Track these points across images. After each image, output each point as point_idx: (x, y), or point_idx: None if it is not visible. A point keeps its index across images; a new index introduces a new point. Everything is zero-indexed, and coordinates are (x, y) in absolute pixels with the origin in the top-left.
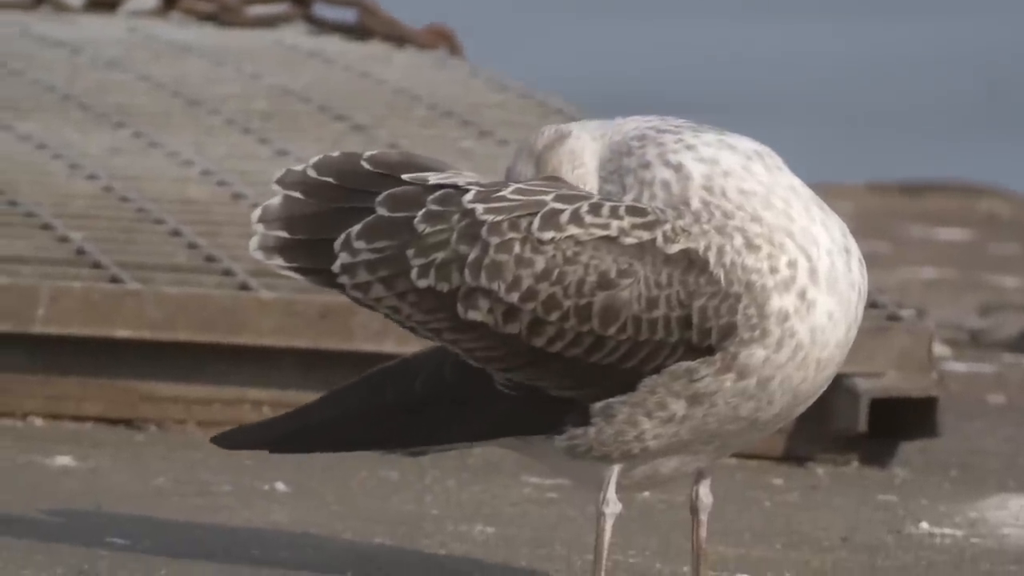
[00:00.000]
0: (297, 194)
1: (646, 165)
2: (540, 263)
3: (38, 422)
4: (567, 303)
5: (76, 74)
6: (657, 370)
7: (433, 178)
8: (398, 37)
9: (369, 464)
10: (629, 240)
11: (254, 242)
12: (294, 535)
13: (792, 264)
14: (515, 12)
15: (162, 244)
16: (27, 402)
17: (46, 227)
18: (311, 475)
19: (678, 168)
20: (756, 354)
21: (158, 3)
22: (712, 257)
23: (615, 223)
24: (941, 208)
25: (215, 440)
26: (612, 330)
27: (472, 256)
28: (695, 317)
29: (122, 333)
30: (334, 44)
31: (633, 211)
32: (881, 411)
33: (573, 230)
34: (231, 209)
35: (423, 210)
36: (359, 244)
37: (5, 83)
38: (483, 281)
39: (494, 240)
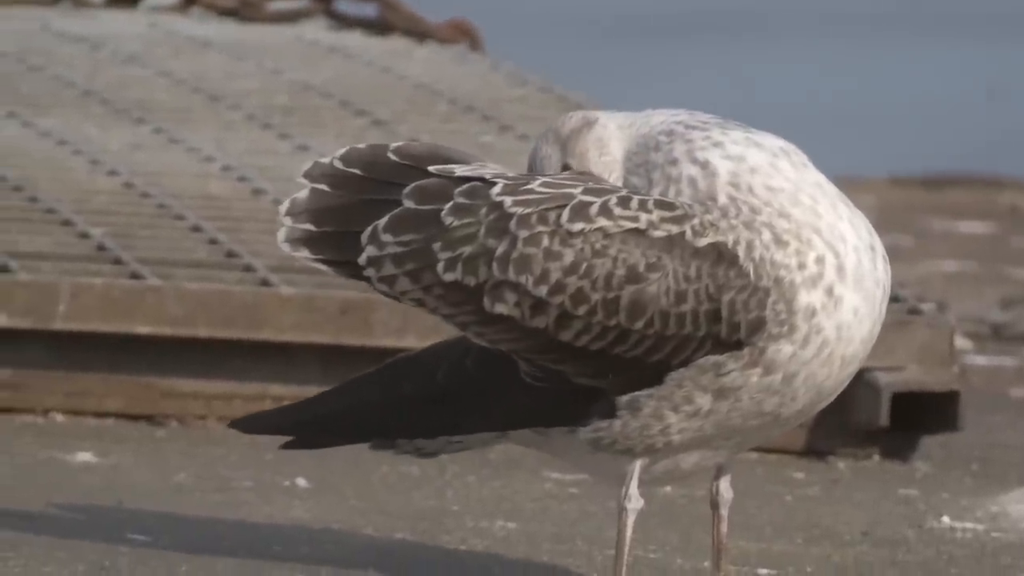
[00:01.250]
0: (324, 186)
1: (673, 161)
2: (569, 256)
3: (59, 418)
4: (595, 296)
5: (96, 70)
6: (684, 364)
7: (460, 170)
8: (419, 32)
9: (390, 459)
10: (658, 233)
11: (281, 234)
12: (315, 531)
13: (820, 260)
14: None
15: (183, 240)
16: (48, 398)
17: (66, 223)
18: (332, 471)
19: (705, 165)
20: (783, 350)
21: None
22: (742, 251)
23: (644, 216)
24: (963, 201)
25: (234, 424)
26: (639, 324)
27: (500, 250)
28: (724, 311)
29: (143, 329)
30: (355, 39)
31: (662, 205)
32: (902, 405)
33: (602, 222)
34: (252, 204)
35: (451, 203)
36: (386, 237)
37: (25, 79)
38: (511, 275)
39: (523, 233)
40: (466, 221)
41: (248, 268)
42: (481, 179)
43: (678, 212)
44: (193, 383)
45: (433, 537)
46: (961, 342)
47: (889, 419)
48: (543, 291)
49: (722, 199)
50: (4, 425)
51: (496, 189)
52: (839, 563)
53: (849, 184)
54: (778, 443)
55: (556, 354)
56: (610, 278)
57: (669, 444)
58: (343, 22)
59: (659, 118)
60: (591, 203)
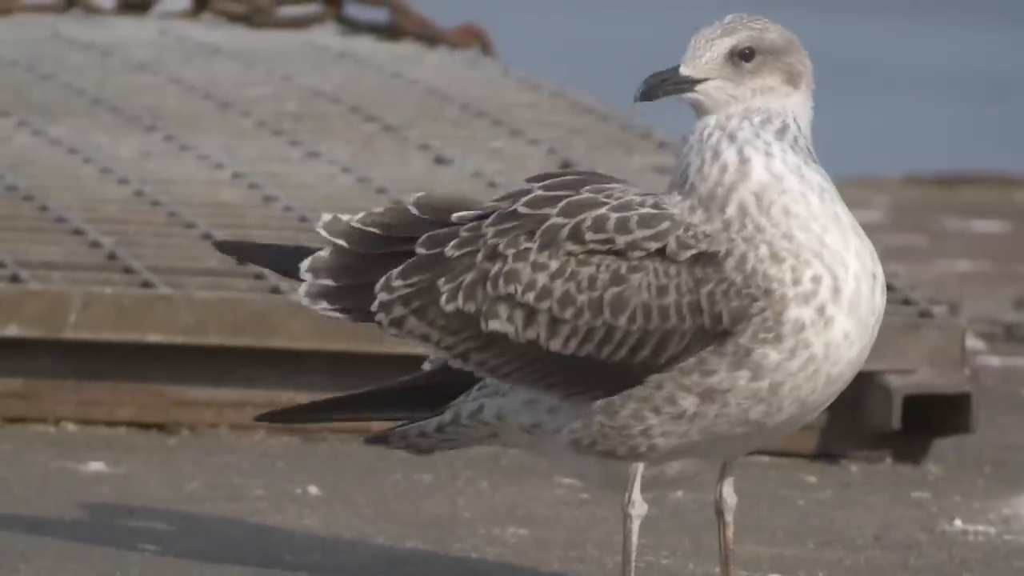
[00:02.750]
0: (343, 242)
1: (731, 137)
2: (554, 265)
3: (71, 427)
4: (581, 298)
5: (107, 77)
6: (670, 364)
7: (476, 213)
8: (430, 37)
9: (402, 467)
10: (636, 253)
11: (302, 290)
12: (327, 539)
13: (816, 279)
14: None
15: (193, 248)
16: (60, 408)
17: (77, 232)
18: (344, 479)
19: (744, 162)
20: (770, 355)
21: (189, 4)
22: (731, 261)
23: (622, 238)
24: (978, 200)
25: (260, 418)
26: (623, 320)
27: (493, 271)
28: (704, 301)
29: (154, 338)
30: (365, 44)
31: (646, 221)
32: (914, 408)
33: (571, 247)
34: (262, 212)
35: (455, 239)
36: (397, 283)
37: (36, 87)
38: (501, 289)
39: (510, 251)
40: (466, 251)
41: (259, 276)
42: (486, 214)
43: (663, 227)
44: (204, 391)
45: (445, 545)
46: (974, 343)
47: (901, 422)
48: (531, 297)
49: (731, 211)
50: (16, 435)
51: (488, 220)
52: (851, 567)
53: (864, 184)
54: (790, 446)
55: (549, 370)
56: (594, 280)
57: (653, 447)
58: (354, 27)
59: (778, 103)
60: (564, 225)
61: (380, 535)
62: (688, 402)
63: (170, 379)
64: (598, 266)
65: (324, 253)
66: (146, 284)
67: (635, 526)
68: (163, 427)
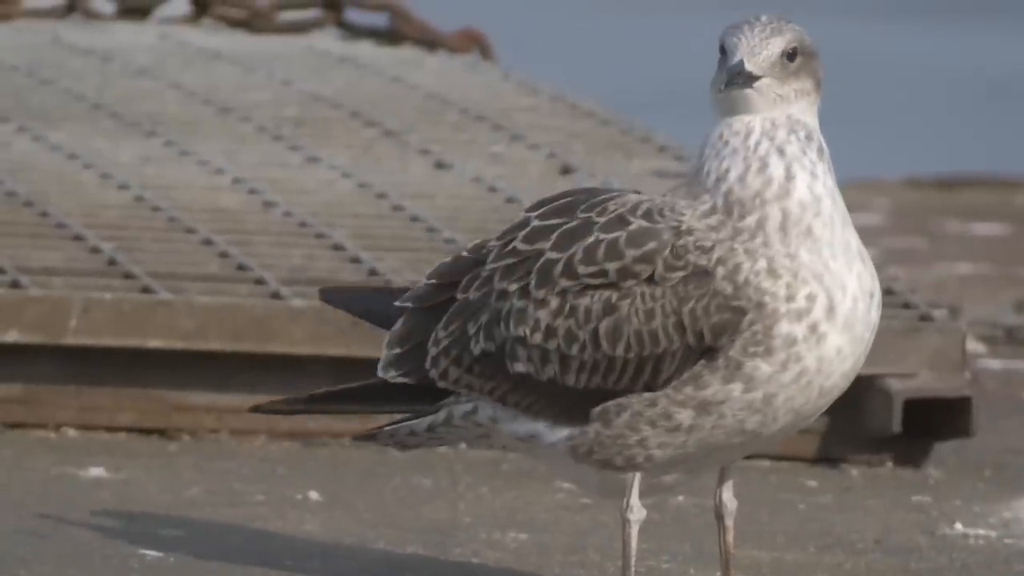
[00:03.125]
0: (410, 304)
1: (781, 151)
2: (554, 303)
3: (71, 433)
4: (581, 333)
5: (107, 82)
6: (667, 383)
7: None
8: (430, 41)
9: (402, 472)
10: (628, 283)
11: (380, 365)
12: (327, 544)
13: (811, 298)
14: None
15: (194, 253)
16: (60, 413)
17: (77, 238)
18: (344, 484)
19: (790, 179)
20: (761, 368)
21: (189, 9)
22: (721, 270)
23: (611, 265)
24: (978, 203)
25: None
26: (620, 350)
27: (504, 310)
28: (686, 319)
29: (154, 343)
30: (365, 49)
31: (634, 241)
32: (914, 411)
33: (566, 284)
34: (262, 217)
35: (476, 280)
36: (441, 334)
37: (36, 92)
38: (514, 330)
39: (514, 292)
40: (483, 292)
41: (259, 281)
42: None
43: (650, 247)
44: (205, 396)
45: (445, 550)
46: (975, 346)
47: (901, 426)
48: (539, 338)
49: (751, 220)
50: (17, 440)
51: (491, 256)
52: (851, 571)
53: (864, 186)
54: (790, 450)
55: (571, 404)
56: (589, 312)
57: (650, 458)
58: (353, 32)
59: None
60: (557, 261)
61: (380, 540)
62: (684, 415)
63: (170, 384)
64: (592, 298)
65: (397, 325)
66: (146, 289)
67: (634, 531)
68: (164, 432)
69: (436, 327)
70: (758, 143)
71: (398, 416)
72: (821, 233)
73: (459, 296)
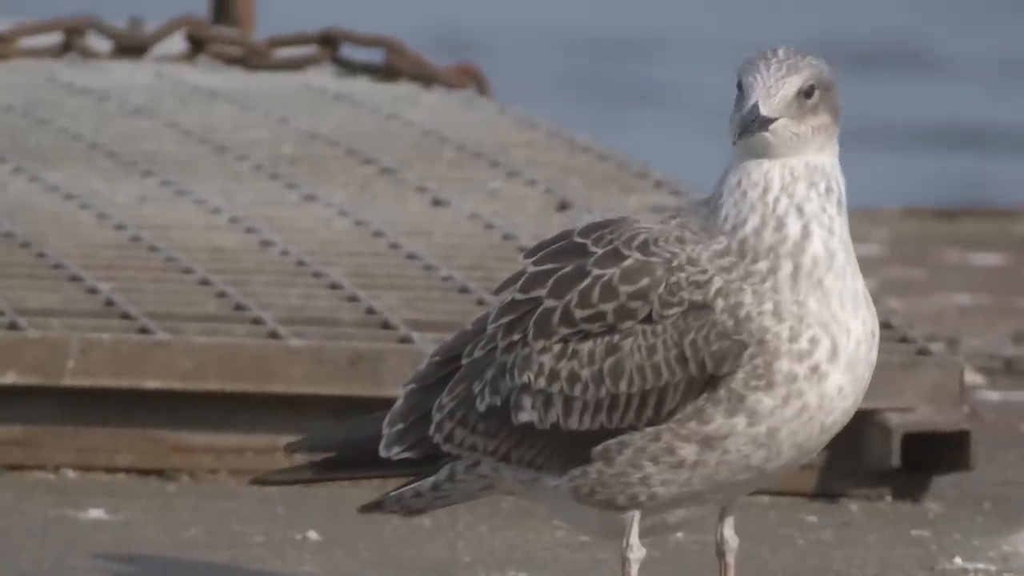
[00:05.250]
0: (412, 385)
1: (800, 209)
2: (557, 348)
3: (70, 474)
4: (584, 372)
5: (103, 122)
6: (669, 417)
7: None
8: (426, 76)
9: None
10: (626, 324)
11: (383, 445)
12: None
13: (814, 341)
14: None
15: (191, 293)
16: (59, 454)
17: (74, 279)
18: (343, 524)
19: (806, 236)
20: (764, 401)
21: (185, 47)
22: (721, 303)
23: (607, 306)
24: (976, 232)
25: (254, 482)
26: (623, 385)
27: (508, 362)
28: (688, 350)
29: (152, 384)
30: (361, 85)
31: (628, 278)
32: (913, 445)
33: (565, 331)
34: (260, 257)
35: (482, 339)
36: (446, 399)
37: (32, 132)
38: (518, 378)
39: (518, 342)
40: (489, 348)
41: (257, 321)
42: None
43: (644, 283)
44: (203, 437)
45: None
46: (973, 377)
47: (900, 460)
48: (543, 383)
49: (762, 265)
50: (15, 483)
51: (494, 313)
52: None
53: (862, 216)
54: (789, 486)
55: (570, 452)
56: (592, 354)
57: (653, 496)
58: (349, 68)
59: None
60: (554, 309)
61: None
62: (687, 451)
63: (169, 425)
64: (595, 340)
65: (398, 403)
66: (144, 330)
67: (634, 570)
68: (162, 473)
69: (440, 395)
70: (776, 200)
71: (402, 480)
72: (832, 285)
73: (464, 361)
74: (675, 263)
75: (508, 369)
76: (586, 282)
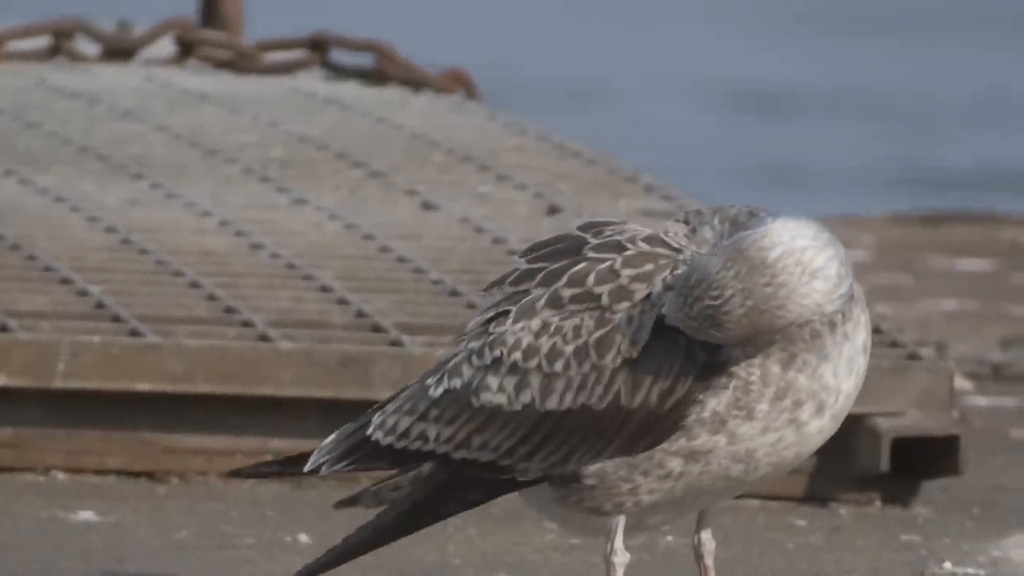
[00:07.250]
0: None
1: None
2: (536, 324)
3: (60, 476)
4: (567, 348)
5: (93, 125)
6: (662, 402)
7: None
8: (415, 81)
9: None
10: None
11: (324, 470)
12: None
13: (798, 404)
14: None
15: (181, 296)
16: (49, 456)
17: (65, 281)
18: (334, 526)
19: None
20: (743, 427)
21: (174, 51)
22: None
23: (604, 288)
24: (963, 238)
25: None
26: (609, 357)
27: (478, 345)
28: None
29: (143, 386)
30: (351, 90)
31: (632, 262)
32: (903, 450)
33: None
34: (250, 260)
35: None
36: (390, 406)
37: (22, 135)
38: (487, 357)
39: (495, 327)
40: (460, 348)
41: (247, 324)
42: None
43: (647, 268)
44: (194, 439)
45: None
46: (961, 383)
47: (890, 464)
48: (518, 356)
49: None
50: (5, 485)
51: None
52: None
53: (849, 222)
54: (779, 490)
55: (546, 439)
56: (579, 329)
57: (638, 504)
58: (339, 72)
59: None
60: (541, 295)
61: None
62: (675, 463)
63: (159, 427)
64: (581, 318)
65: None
66: (134, 333)
67: (619, 574)
68: (152, 475)
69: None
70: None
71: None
72: (827, 351)
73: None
74: (682, 256)
75: (477, 351)
76: (581, 265)
